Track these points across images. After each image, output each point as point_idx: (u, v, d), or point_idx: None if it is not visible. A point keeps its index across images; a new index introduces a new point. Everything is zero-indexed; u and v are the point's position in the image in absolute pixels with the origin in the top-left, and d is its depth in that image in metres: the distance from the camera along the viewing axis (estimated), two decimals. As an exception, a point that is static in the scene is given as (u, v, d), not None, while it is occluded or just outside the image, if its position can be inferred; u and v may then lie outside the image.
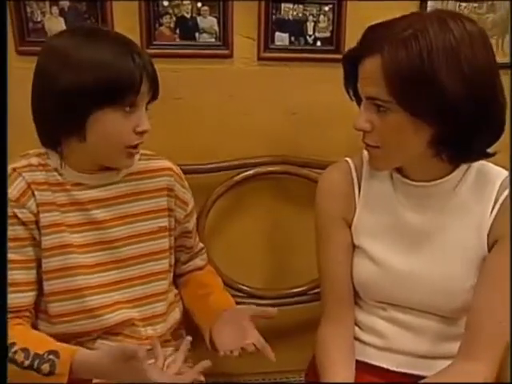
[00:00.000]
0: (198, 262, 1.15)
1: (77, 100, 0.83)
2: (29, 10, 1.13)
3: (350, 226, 0.98)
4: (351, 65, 0.87)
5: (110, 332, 0.96)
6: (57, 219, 0.91)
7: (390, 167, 0.92)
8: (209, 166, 1.26)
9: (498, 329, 0.86)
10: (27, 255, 0.90)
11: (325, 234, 1.00)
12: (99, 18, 1.15)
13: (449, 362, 0.91)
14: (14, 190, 0.88)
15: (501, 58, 1.29)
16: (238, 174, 1.27)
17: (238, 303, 1.28)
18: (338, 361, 0.95)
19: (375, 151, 0.87)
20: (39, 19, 1.14)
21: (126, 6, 1.16)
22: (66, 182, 0.92)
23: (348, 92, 0.93)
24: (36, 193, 0.90)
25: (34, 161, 0.92)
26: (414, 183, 0.91)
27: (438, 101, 0.77)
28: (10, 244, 0.87)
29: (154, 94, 0.91)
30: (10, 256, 0.88)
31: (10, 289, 0.87)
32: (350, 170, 0.99)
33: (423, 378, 0.91)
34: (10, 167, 0.90)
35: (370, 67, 0.81)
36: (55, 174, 0.92)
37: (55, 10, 1.14)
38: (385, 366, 0.98)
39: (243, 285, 1.31)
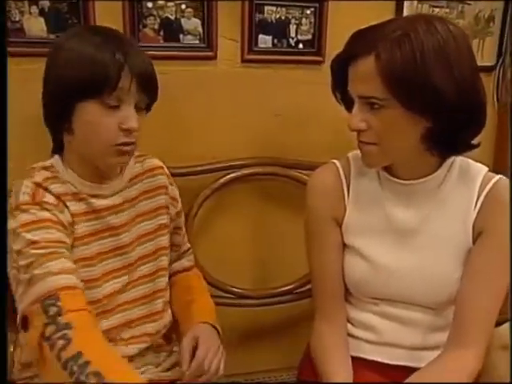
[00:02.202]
0: (185, 262, 1.15)
1: (61, 90, 0.84)
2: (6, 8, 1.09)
3: (340, 226, 1.01)
4: (340, 68, 0.89)
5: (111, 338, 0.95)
6: (86, 230, 0.90)
7: (385, 163, 0.94)
8: (195, 168, 1.25)
9: (484, 317, 0.92)
10: (66, 254, 0.84)
11: (316, 235, 1.02)
12: (81, 18, 1.12)
13: (437, 352, 0.95)
14: (49, 200, 0.85)
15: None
16: (224, 176, 1.27)
17: (225, 304, 1.30)
18: (337, 359, 0.97)
19: (371, 148, 0.89)
20: (17, 19, 1.09)
21: (109, 7, 1.14)
22: (81, 192, 0.91)
23: (335, 96, 0.95)
24: (68, 203, 0.88)
25: (48, 174, 0.90)
26: (402, 181, 0.95)
27: (431, 96, 0.81)
28: (46, 244, 0.82)
29: (150, 95, 0.89)
30: (51, 250, 0.82)
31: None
32: (338, 171, 1.01)
33: (417, 369, 0.94)
34: (30, 182, 0.86)
35: (364, 67, 0.83)
36: (69, 185, 0.90)
37: (34, 9, 1.10)
38: (379, 359, 1.00)
39: (231, 286, 1.31)
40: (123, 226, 0.96)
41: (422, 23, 0.82)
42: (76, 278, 0.83)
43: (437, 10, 1.35)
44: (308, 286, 1.34)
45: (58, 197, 0.87)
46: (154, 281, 1.01)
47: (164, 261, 1.03)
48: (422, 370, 0.92)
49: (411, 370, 0.95)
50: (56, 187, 0.88)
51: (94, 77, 0.82)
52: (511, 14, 1.40)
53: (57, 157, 0.93)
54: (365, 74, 0.84)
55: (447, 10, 1.36)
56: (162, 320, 1.03)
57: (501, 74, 1.42)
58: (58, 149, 0.93)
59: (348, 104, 0.92)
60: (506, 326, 1.02)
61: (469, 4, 1.38)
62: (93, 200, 0.92)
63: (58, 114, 0.87)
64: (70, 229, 0.87)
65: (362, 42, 0.84)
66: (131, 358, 0.98)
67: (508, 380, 0.99)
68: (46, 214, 0.84)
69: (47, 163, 0.92)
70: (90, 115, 0.85)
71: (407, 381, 0.91)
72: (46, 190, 0.86)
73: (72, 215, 0.88)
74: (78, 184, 0.91)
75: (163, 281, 1.03)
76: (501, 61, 1.42)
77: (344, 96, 0.93)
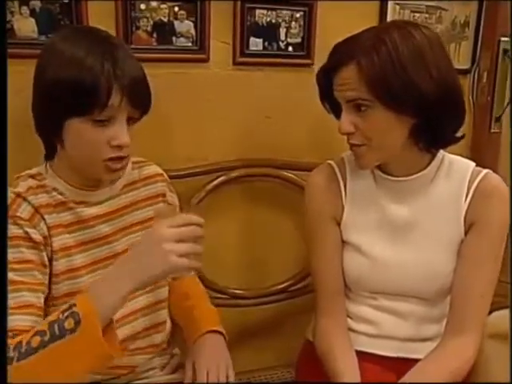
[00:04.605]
0: None
1: (51, 106, 0.81)
2: (-5, 9, 1.05)
3: (339, 224, 1.04)
4: (326, 79, 0.94)
5: None
6: (66, 242, 0.88)
7: (377, 163, 0.97)
8: (186, 171, 1.25)
9: (480, 303, 0.97)
10: (36, 278, 0.83)
11: (318, 234, 1.04)
12: (74, 19, 1.10)
13: (432, 343, 1.00)
14: (22, 214, 0.83)
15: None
16: (217, 178, 1.28)
17: (220, 305, 1.30)
18: (345, 357, 0.98)
19: (362, 149, 0.94)
20: (8, 19, 1.06)
21: (102, 8, 1.12)
22: (68, 201, 0.89)
23: (324, 105, 1.00)
24: (45, 216, 0.85)
25: (32, 183, 0.87)
26: (395, 178, 0.99)
27: (411, 95, 0.86)
28: (16, 266, 0.80)
29: (142, 108, 0.85)
30: (17, 278, 0.80)
31: (19, 310, 0.79)
32: (334, 171, 1.04)
33: (411, 360, 0.98)
34: (11, 191, 0.84)
35: (347, 74, 0.89)
36: (55, 193, 0.88)
37: (25, 10, 1.07)
38: (376, 352, 1.04)
39: (225, 286, 1.33)
40: (115, 234, 0.93)
41: (395, 30, 0.88)
42: (33, 317, 0.80)
43: (417, 15, 1.41)
44: (301, 284, 1.38)
45: (36, 209, 0.84)
46: (154, 291, 0.99)
47: None
48: (425, 359, 0.96)
49: (406, 361, 1.00)
50: (37, 198, 0.86)
51: (82, 97, 0.78)
52: (485, 19, 1.47)
53: (46, 164, 0.91)
54: (348, 80, 0.89)
55: (427, 15, 1.42)
56: (166, 330, 1.03)
57: (476, 77, 1.50)
58: (50, 155, 0.90)
59: (336, 111, 0.97)
60: (495, 314, 1.08)
61: (446, 10, 1.44)
62: (80, 209, 0.90)
63: (49, 127, 0.84)
64: (43, 244, 0.84)
65: (342, 53, 0.90)
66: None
67: (499, 368, 1.05)
68: (18, 231, 0.82)
69: (34, 171, 0.90)
70: (78, 132, 0.82)
71: (411, 371, 0.94)
72: (25, 200, 0.84)
73: (49, 228, 0.86)
74: (67, 191, 0.89)
75: (164, 291, 1.02)
76: (476, 64, 1.49)
77: (332, 104, 0.98)
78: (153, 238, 0.75)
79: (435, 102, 0.87)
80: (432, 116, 0.89)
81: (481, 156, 1.46)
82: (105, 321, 0.74)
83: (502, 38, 1.44)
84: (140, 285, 0.76)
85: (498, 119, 1.48)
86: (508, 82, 1.46)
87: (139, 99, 0.83)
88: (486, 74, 1.46)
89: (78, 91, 0.78)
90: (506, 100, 1.47)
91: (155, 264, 0.74)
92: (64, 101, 0.79)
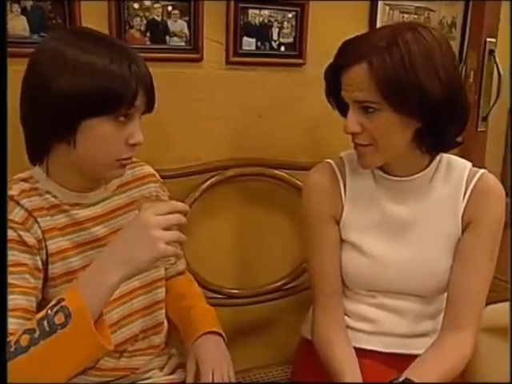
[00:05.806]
0: (178, 266, 1.14)
1: (70, 104, 0.79)
2: (-15, 7, 1.03)
3: (338, 223, 1.04)
4: (333, 76, 0.94)
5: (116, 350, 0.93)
6: (62, 245, 0.87)
7: (380, 163, 0.98)
8: (178, 171, 1.25)
9: (476, 299, 0.99)
10: (29, 282, 0.81)
11: (316, 233, 1.05)
12: (66, 18, 1.08)
13: (427, 339, 1.02)
14: (15, 217, 0.82)
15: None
16: (211, 178, 1.28)
17: (215, 304, 1.30)
18: (345, 355, 0.99)
19: (367, 149, 0.94)
20: (-2, 18, 1.04)
21: (95, 7, 1.11)
22: (62, 203, 0.88)
23: (330, 101, 1.00)
24: (39, 219, 0.84)
25: (25, 186, 0.86)
26: (395, 178, 1.00)
27: (419, 98, 0.87)
28: (9, 269, 0.79)
29: (150, 106, 0.88)
30: (10, 281, 0.78)
31: (9, 313, 0.77)
32: (333, 170, 1.05)
33: (409, 355, 1.00)
34: None
35: (357, 74, 0.89)
36: (48, 196, 0.87)
37: (16, 8, 1.05)
38: (373, 348, 1.05)
39: (220, 286, 1.33)
40: (110, 235, 0.92)
41: (407, 31, 0.88)
42: (23, 321, 0.77)
43: (406, 15, 1.43)
44: (295, 283, 1.39)
45: (29, 212, 0.83)
46: (151, 292, 0.99)
47: (159, 271, 1.00)
48: (423, 355, 0.97)
49: (404, 357, 1.02)
50: (30, 201, 0.84)
51: (114, 94, 0.78)
52: (471, 20, 1.50)
53: (37, 167, 0.89)
54: (358, 81, 0.89)
55: (415, 16, 1.45)
56: (164, 330, 1.03)
57: (463, 76, 1.52)
58: (38, 158, 0.88)
59: (342, 109, 0.97)
60: (489, 308, 1.10)
61: (434, 11, 1.47)
62: (74, 211, 0.89)
63: (61, 127, 0.82)
64: (36, 248, 0.83)
65: (353, 52, 0.90)
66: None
67: (492, 362, 1.07)
68: (11, 234, 0.81)
69: (25, 175, 0.88)
70: (98, 131, 0.81)
71: (410, 368, 0.94)
72: (18, 204, 0.83)
73: (43, 231, 0.85)
74: (60, 194, 0.88)
75: (161, 292, 1.01)
76: (462, 64, 1.52)
77: (338, 101, 0.98)
78: (140, 226, 0.75)
79: (441, 103, 0.87)
80: (437, 119, 0.89)
81: (468, 155, 1.48)
82: (95, 312, 0.73)
83: (488, 39, 1.47)
84: (128, 273, 0.75)
85: (485, 118, 1.51)
86: (495, 82, 1.50)
87: (153, 97, 0.87)
88: (472, 74, 1.49)
89: (105, 97, 0.78)
90: (493, 99, 1.51)
91: (143, 251, 0.73)
92: (89, 100, 0.78)
